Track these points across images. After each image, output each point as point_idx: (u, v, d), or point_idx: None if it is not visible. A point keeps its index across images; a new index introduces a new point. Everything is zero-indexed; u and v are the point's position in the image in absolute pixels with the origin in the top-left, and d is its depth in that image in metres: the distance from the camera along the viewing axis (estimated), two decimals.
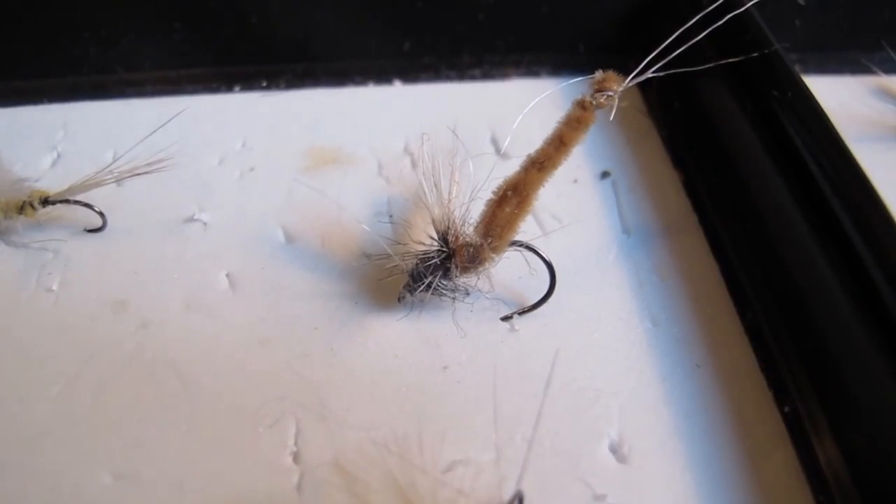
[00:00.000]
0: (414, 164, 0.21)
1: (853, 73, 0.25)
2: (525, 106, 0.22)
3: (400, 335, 0.18)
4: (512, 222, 0.17)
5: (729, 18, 0.21)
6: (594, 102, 0.17)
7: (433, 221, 0.17)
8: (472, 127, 0.21)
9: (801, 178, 0.18)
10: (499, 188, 0.17)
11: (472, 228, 0.17)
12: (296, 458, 0.16)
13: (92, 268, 0.19)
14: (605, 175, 0.21)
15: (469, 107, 0.23)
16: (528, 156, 0.17)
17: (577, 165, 0.21)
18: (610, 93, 0.17)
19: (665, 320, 0.18)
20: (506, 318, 0.18)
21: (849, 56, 0.25)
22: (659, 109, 0.22)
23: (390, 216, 0.20)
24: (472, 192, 0.17)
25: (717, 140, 0.21)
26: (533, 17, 0.24)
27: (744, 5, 0.21)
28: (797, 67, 0.24)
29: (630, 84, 0.18)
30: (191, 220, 0.20)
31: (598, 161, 0.21)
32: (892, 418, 0.15)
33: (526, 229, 0.18)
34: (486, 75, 0.23)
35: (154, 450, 0.16)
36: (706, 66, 0.20)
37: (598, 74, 0.18)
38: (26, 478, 0.15)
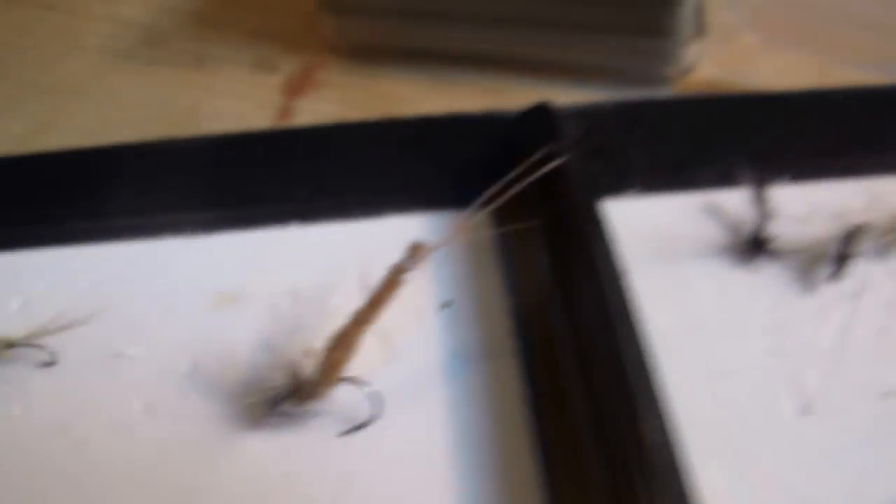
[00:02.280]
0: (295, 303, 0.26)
1: (688, 191, 0.29)
2: (396, 241, 0.27)
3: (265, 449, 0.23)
4: (338, 366, 0.22)
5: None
6: (406, 269, 0.23)
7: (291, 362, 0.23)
8: (345, 267, 0.26)
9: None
10: (328, 338, 0.23)
11: (315, 368, 0.23)
12: None
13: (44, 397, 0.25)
14: (447, 304, 0.26)
15: (350, 246, 0.27)
16: (354, 311, 0.23)
17: (424, 294, 0.26)
18: (420, 261, 0.23)
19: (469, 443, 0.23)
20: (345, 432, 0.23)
21: (684, 175, 0.29)
22: (498, 240, 0.27)
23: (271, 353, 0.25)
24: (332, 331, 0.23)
25: (534, 275, 0.25)
26: (405, 163, 0.29)
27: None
28: (637, 189, 0.29)
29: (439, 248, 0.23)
30: (119, 354, 0.26)
31: (442, 291, 0.26)
32: None
33: (368, 356, 0.23)
34: (366, 215, 0.28)
35: None
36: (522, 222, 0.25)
37: (410, 244, 0.23)
38: None
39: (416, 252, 0.22)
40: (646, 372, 0.22)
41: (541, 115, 0.27)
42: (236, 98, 0.36)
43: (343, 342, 0.22)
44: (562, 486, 0.20)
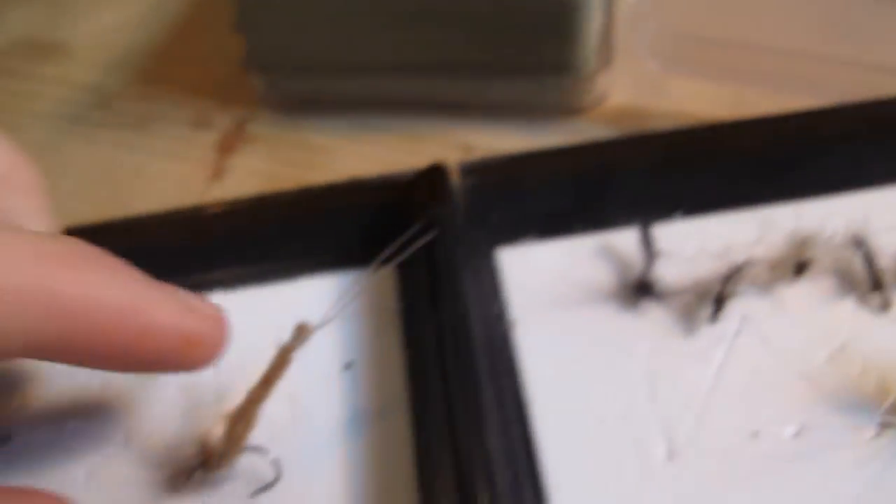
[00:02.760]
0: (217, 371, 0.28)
1: (584, 234, 0.30)
2: (307, 301, 0.29)
3: None
4: (239, 439, 0.24)
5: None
6: (293, 349, 0.24)
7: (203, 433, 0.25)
8: (263, 332, 0.27)
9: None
10: (228, 414, 0.25)
11: (221, 440, 0.25)
12: None
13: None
14: (348, 366, 0.28)
15: (265, 310, 0.29)
16: (249, 389, 0.25)
17: (328, 355, 0.28)
18: (305, 340, 0.24)
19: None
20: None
21: (580, 218, 0.30)
22: (398, 299, 0.29)
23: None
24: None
25: (420, 335, 0.27)
26: (313, 228, 0.30)
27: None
28: (533, 235, 0.30)
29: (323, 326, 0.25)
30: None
31: (346, 352, 0.28)
32: None
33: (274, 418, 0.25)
34: (278, 279, 0.30)
35: None
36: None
37: (296, 325, 0.24)
38: None
39: (301, 332, 0.24)
40: (522, 424, 0.24)
41: (433, 176, 0.28)
42: (176, 159, 0.38)
43: (241, 417, 0.24)
44: None
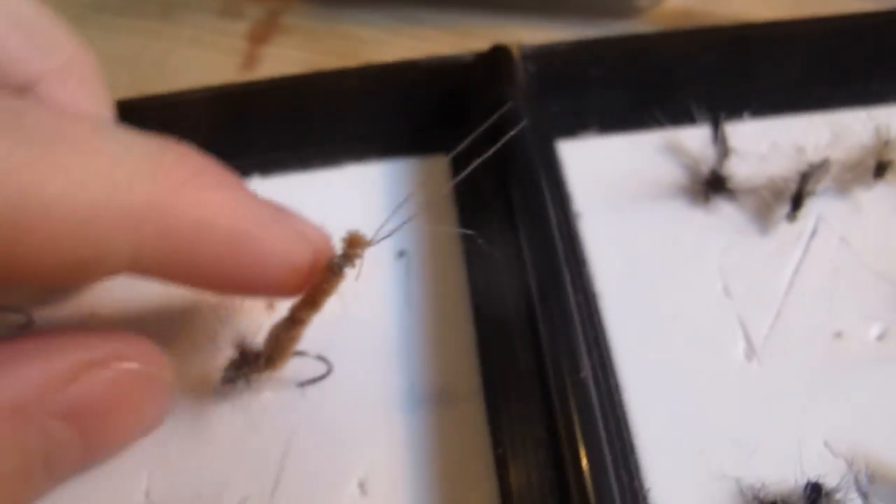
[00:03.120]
0: None
1: (647, 130, 0.28)
2: (354, 190, 0.27)
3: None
4: (284, 353, 0.22)
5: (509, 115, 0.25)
6: (342, 265, 0.20)
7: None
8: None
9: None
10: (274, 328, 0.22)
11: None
12: None
13: None
14: (401, 254, 0.26)
15: (310, 197, 0.27)
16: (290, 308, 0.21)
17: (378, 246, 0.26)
18: (358, 254, 0.20)
19: (419, 383, 0.23)
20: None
21: (642, 114, 0.29)
22: (453, 187, 0.27)
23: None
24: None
25: (486, 221, 0.25)
26: (362, 111, 0.29)
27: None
28: (594, 129, 0.28)
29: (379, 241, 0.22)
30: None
31: (397, 241, 0.26)
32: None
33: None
34: (325, 165, 0.28)
35: None
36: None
37: (348, 235, 0.20)
38: None
39: (353, 244, 0.20)
40: (591, 315, 0.23)
41: (497, 58, 0.27)
42: (203, 48, 0.35)
43: (288, 333, 0.22)
44: (504, 424, 0.21)
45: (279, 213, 0.20)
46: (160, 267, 0.18)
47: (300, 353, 0.22)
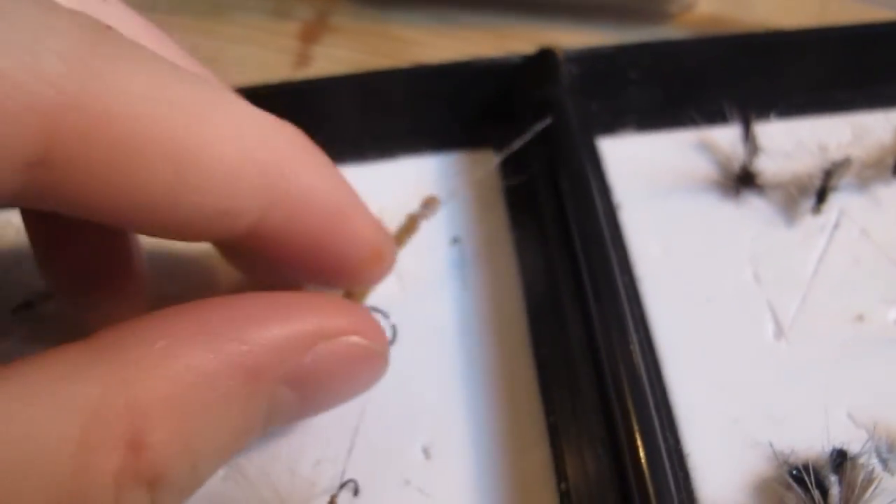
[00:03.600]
0: None
1: (681, 129, 0.31)
2: (409, 181, 0.29)
3: None
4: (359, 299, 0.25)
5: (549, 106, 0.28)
6: (423, 216, 0.24)
7: None
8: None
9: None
10: None
11: None
12: None
13: None
14: (455, 241, 0.28)
15: (367, 186, 0.29)
16: None
17: (434, 231, 0.28)
18: (433, 212, 0.25)
19: (475, 360, 0.25)
20: None
21: (677, 113, 0.31)
22: (503, 178, 0.29)
23: None
24: None
25: (536, 209, 0.27)
26: (416, 108, 0.31)
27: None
28: (632, 127, 0.31)
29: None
30: None
31: (451, 228, 0.28)
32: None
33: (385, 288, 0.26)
34: (381, 157, 0.30)
35: None
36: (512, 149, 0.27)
37: (425, 197, 0.25)
38: None
39: (429, 203, 0.24)
40: (635, 294, 0.25)
41: (543, 60, 0.29)
42: (255, 45, 0.37)
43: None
44: (556, 396, 0.23)
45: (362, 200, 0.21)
46: (271, 236, 0.18)
47: (372, 310, 0.24)
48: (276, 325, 0.17)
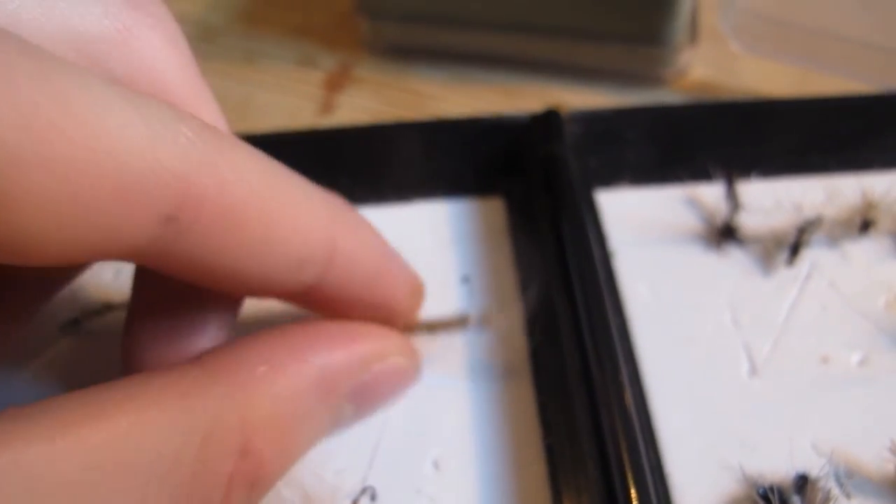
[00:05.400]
0: None
1: (671, 185, 0.34)
2: (422, 223, 0.32)
3: None
4: None
5: (552, 163, 0.31)
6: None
7: None
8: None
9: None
10: None
11: None
12: None
13: None
14: (466, 279, 0.31)
15: (384, 227, 0.33)
16: None
17: (446, 270, 0.31)
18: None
19: (481, 386, 0.28)
20: None
21: (668, 171, 0.34)
22: (511, 225, 0.32)
23: None
24: None
25: (539, 253, 0.30)
26: (431, 157, 0.34)
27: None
28: (627, 182, 0.34)
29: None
30: None
31: (461, 267, 0.32)
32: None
33: None
34: (398, 200, 0.33)
35: None
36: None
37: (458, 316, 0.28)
38: None
39: (459, 323, 0.28)
40: (626, 333, 0.28)
41: (549, 119, 0.32)
42: (283, 92, 0.41)
43: None
44: (553, 420, 0.26)
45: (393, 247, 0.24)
46: (325, 293, 0.21)
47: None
48: (345, 350, 0.21)
